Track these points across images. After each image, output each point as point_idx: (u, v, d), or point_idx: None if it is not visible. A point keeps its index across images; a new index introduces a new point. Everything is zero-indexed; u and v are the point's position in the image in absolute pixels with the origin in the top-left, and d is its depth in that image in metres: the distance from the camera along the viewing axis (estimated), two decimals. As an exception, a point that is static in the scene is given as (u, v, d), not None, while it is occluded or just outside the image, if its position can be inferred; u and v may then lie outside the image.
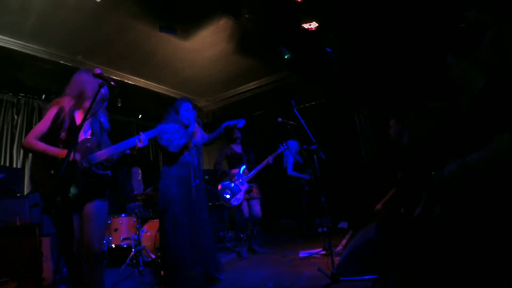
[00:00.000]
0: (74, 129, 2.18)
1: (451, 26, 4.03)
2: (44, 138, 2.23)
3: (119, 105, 6.34)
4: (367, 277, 2.79)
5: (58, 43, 4.61)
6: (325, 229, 4.59)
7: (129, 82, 5.94)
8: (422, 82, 4.32)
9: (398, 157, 2.98)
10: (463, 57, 1.86)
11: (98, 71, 2.08)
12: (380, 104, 5.96)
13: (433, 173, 1.83)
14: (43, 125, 2.27)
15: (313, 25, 4.29)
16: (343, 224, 6.06)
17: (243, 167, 4.69)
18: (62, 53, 4.87)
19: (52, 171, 2.16)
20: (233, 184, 4.49)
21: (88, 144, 2.32)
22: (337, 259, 3.17)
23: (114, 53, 5.07)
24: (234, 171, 4.63)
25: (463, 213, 1.70)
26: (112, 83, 2.10)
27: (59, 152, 2.16)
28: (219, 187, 4.53)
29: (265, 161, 4.62)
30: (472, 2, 1.84)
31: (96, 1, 3.81)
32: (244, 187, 4.52)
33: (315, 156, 3.67)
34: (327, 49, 5.04)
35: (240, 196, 4.48)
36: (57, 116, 2.29)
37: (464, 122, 1.81)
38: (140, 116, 7.31)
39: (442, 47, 4.35)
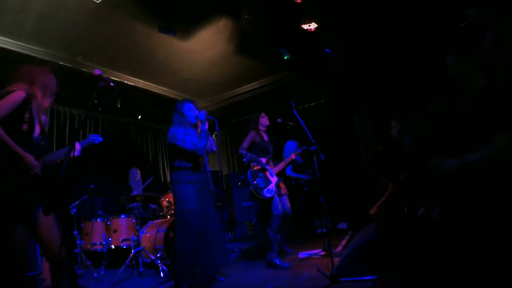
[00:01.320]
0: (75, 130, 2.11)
1: (451, 25, 4.03)
2: None
3: (119, 106, 6.35)
4: (367, 277, 2.79)
5: (57, 44, 4.61)
6: (324, 230, 4.58)
7: (129, 83, 5.93)
8: (422, 82, 4.32)
9: (399, 157, 2.98)
10: (463, 57, 1.87)
11: (97, 72, 2.08)
12: (379, 105, 5.96)
13: (432, 164, 1.84)
14: (3, 107, 2.05)
15: (313, 25, 4.29)
16: (343, 225, 6.06)
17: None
18: (62, 54, 4.86)
19: (14, 169, 2.05)
20: (262, 173, 4.03)
21: (42, 143, 2.26)
22: (336, 260, 3.16)
23: (113, 54, 5.06)
24: (262, 159, 4.14)
25: (463, 213, 1.70)
26: (111, 84, 2.09)
27: (31, 161, 2.10)
28: (249, 173, 4.02)
29: (289, 157, 4.30)
30: (472, 2, 1.84)
31: (96, 2, 3.81)
32: (274, 179, 4.07)
33: (314, 157, 3.67)
34: (327, 50, 5.05)
35: (272, 187, 3.98)
36: (25, 102, 2.13)
37: (464, 122, 1.81)
38: (139, 117, 7.33)
39: (442, 47, 4.36)
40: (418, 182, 2.45)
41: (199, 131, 3.25)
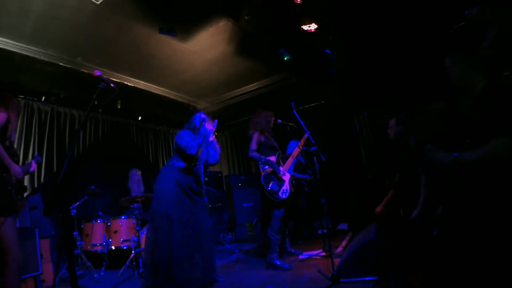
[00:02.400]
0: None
1: (451, 28, 4.04)
2: None
3: (119, 107, 6.35)
4: (367, 278, 2.79)
5: (58, 45, 4.61)
6: (325, 231, 4.56)
7: (129, 84, 5.94)
8: (422, 83, 4.33)
9: (396, 157, 2.98)
10: (462, 58, 1.87)
11: (97, 73, 2.09)
12: (379, 106, 5.96)
13: (429, 148, 1.87)
14: None
15: (313, 26, 4.29)
16: (343, 226, 6.05)
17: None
18: (62, 55, 4.87)
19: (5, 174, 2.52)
20: (274, 175, 3.92)
21: (16, 158, 2.67)
22: (337, 261, 3.16)
23: (113, 55, 5.07)
24: (270, 158, 4.03)
25: (464, 214, 1.70)
26: (111, 85, 2.10)
27: (18, 170, 2.59)
28: (262, 178, 3.89)
29: (296, 149, 4.23)
30: (472, 2, 1.85)
31: (96, 3, 3.82)
32: (287, 177, 3.99)
33: (315, 157, 3.66)
34: (327, 51, 5.05)
35: (286, 187, 3.92)
36: (6, 123, 2.59)
37: (464, 123, 1.82)
38: (139, 118, 7.32)
39: (442, 47, 4.36)
40: (412, 183, 2.45)
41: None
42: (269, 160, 3.96)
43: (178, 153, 3.22)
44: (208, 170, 3.43)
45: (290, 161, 4.16)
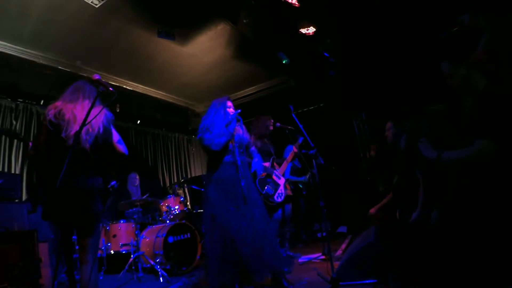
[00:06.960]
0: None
1: (445, 32, 4.05)
2: None
3: (118, 110, 6.35)
4: (367, 281, 2.78)
5: (56, 48, 4.62)
6: (324, 234, 4.55)
7: (128, 87, 5.95)
8: (420, 85, 4.34)
9: (394, 160, 2.98)
10: (460, 62, 1.87)
11: (96, 76, 2.09)
12: (378, 108, 5.98)
13: (422, 142, 1.90)
14: None
15: (311, 29, 4.31)
16: (342, 229, 6.05)
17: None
18: (61, 59, 4.87)
19: None
20: (269, 179, 3.96)
21: None
22: (336, 264, 3.15)
23: (112, 59, 5.08)
24: (265, 164, 3.97)
25: (462, 216, 1.71)
26: (110, 88, 2.10)
27: None
28: (257, 182, 3.85)
29: (291, 153, 4.25)
30: (466, 7, 1.86)
31: (95, 7, 3.83)
32: (281, 181, 4.03)
33: (313, 160, 3.66)
34: (325, 54, 5.06)
35: (281, 191, 3.96)
36: None
37: (465, 124, 1.82)
38: (138, 121, 7.32)
39: (440, 51, 4.38)
40: (411, 186, 2.45)
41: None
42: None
43: (205, 151, 3.07)
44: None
45: (285, 165, 4.19)
